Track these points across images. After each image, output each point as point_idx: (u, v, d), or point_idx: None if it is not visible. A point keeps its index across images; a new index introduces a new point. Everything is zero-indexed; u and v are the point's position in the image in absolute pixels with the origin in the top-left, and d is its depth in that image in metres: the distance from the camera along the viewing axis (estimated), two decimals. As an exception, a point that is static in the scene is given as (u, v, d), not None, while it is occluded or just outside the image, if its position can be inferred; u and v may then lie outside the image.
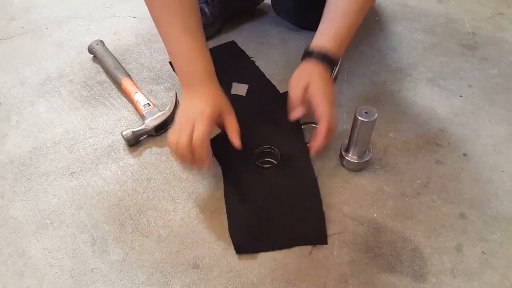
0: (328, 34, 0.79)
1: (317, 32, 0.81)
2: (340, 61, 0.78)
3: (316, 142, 0.74)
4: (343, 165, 0.80)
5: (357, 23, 0.80)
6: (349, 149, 0.78)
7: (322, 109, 0.73)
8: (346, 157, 0.78)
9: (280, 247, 0.70)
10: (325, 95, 0.74)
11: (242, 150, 0.77)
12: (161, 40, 1.14)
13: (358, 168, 0.79)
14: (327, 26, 0.80)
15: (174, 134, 0.71)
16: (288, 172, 0.79)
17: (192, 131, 0.70)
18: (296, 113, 0.79)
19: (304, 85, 0.75)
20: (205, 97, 0.75)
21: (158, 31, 0.78)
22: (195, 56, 0.76)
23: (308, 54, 0.79)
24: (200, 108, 0.72)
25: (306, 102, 0.76)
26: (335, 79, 0.77)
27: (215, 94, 0.76)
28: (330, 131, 0.74)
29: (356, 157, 0.78)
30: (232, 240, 0.70)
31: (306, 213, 0.74)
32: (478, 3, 1.23)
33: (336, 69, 0.78)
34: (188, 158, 0.71)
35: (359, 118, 0.70)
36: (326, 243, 0.70)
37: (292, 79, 0.79)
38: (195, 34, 0.76)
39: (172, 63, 0.77)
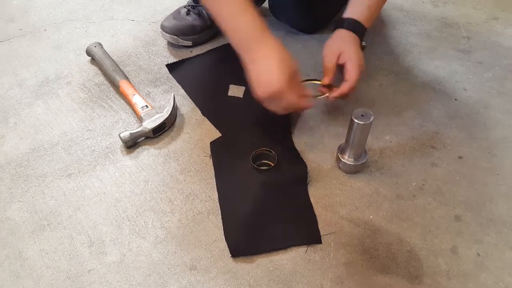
0: (359, 6, 0.87)
1: (348, 5, 0.89)
2: (369, 34, 0.92)
3: (334, 92, 0.84)
4: (339, 167, 0.81)
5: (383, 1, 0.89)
6: (346, 151, 0.78)
7: (351, 75, 0.81)
8: (343, 159, 0.79)
9: (275, 249, 0.70)
10: (357, 61, 0.82)
11: (238, 152, 0.78)
12: (158, 43, 1.16)
13: (354, 170, 0.80)
14: (356, 1, 0.89)
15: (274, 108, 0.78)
16: (282, 175, 0.79)
17: (283, 102, 0.75)
18: (326, 80, 0.84)
19: (338, 52, 0.83)
20: (275, 62, 0.73)
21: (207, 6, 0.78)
22: (248, 17, 0.74)
23: (340, 22, 0.87)
24: (277, 80, 0.72)
25: (338, 66, 0.84)
26: (363, 48, 0.88)
27: (282, 54, 0.74)
28: (350, 91, 0.83)
29: (352, 159, 0.78)
30: (227, 244, 0.71)
31: (299, 214, 0.74)
32: (473, 7, 1.24)
33: (365, 41, 0.89)
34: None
35: (356, 120, 0.71)
36: (320, 242, 0.70)
37: (326, 46, 0.86)
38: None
39: (227, 35, 0.77)
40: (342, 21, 0.87)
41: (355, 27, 0.86)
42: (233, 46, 0.76)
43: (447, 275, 0.66)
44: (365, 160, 0.79)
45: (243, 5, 0.74)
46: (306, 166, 0.80)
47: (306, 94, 0.80)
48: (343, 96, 0.84)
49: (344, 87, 0.82)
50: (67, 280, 0.68)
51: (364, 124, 0.71)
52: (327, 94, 0.86)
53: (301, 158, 0.82)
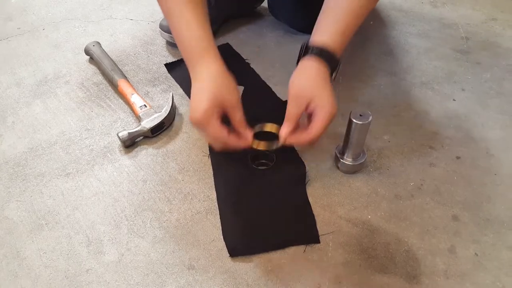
0: (327, 30, 0.72)
1: (315, 29, 0.74)
2: (340, 63, 0.72)
3: (291, 138, 0.71)
4: (337, 167, 0.81)
5: (358, 21, 0.73)
6: (344, 151, 0.78)
7: (317, 126, 0.68)
8: (341, 159, 0.79)
9: (273, 248, 0.70)
10: (328, 110, 0.67)
11: (237, 151, 0.77)
12: (157, 42, 1.16)
13: (353, 170, 0.80)
14: (326, 22, 0.73)
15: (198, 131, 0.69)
16: (280, 174, 0.79)
17: (205, 135, 0.69)
18: (285, 129, 0.71)
19: (307, 97, 0.68)
20: (200, 86, 0.68)
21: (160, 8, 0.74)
22: (187, 29, 0.69)
23: (306, 50, 0.71)
24: (199, 107, 0.66)
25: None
26: (334, 78, 0.72)
27: (212, 78, 0.68)
28: (309, 144, 0.71)
29: (350, 159, 0.78)
30: (225, 244, 0.71)
31: (297, 214, 0.74)
32: (472, 8, 1.24)
33: (337, 70, 0.72)
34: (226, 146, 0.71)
35: (354, 120, 0.71)
36: (318, 241, 0.70)
37: (293, 85, 0.70)
38: (191, 4, 0.70)
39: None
40: (311, 49, 0.70)
41: (328, 58, 0.70)
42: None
43: (445, 275, 0.66)
44: (363, 160, 0.79)
45: (192, 15, 0.70)
46: (304, 165, 0.80)
47: (243, 132, 0.71)
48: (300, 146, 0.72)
49: (304, 138, 0.69)
50: (65, 279, 0.67)
51: (362, 124, 0.71)
52: (280, 143, 0.73)
53: (300, 157, 0.82)
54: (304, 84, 0.69)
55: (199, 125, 0.68)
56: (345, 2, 0.73)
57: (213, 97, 0.67)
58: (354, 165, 0.78)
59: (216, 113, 0.67)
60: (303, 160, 0.82)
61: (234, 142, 0.70)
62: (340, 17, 0.72)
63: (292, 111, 0.70)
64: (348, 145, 0.76)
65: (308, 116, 0.72)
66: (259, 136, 0.76)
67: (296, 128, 0.71)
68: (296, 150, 0.84)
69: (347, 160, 0.78)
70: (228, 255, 0.69)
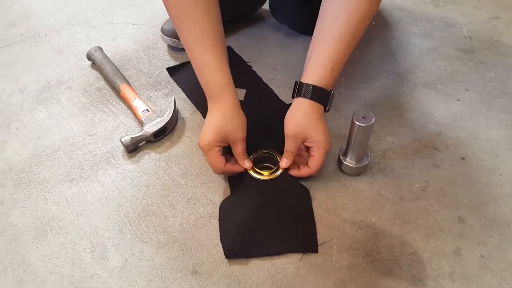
0: (320, 68, 0.73)
1: (311, 61, 0.75)
2: (333, 94, 0.75)
3: (292, 171, 0.78)
4: (341, 170, 0.81)
5: (350, 47, 0.74)
6: (347, 153, 0.78)
7: (315, 163, 0.75)
8: (344, 162, 0.78)
9: (270, 254, 0.70)
10: (324, 148, 0.74)
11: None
12: (159, 46, 1.16)
13: (356, 173, 0.80)
14: (322, 55, 0.74)
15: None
16: (282, 179, 0.79)
17: (211, 162, 0.76)
18: (284, 163, 0.77)
19: (303, 135, 0.74)
20: (212, 119, 0.75)
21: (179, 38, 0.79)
22: (207, 69, 0.75)
23: (301, 89, 0.74)
24: (206, 136, 0.74)
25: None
26: (328, 110, 0.76)
27: (222, 115, 0.75)
28: (308, 176, 0.78)
29: (354, 162, 0.78)
30: (222, 245, 0.71)
31: (297, 221, 0.74)
32: (475, 7, 1.23)
33: (331, 101, 0.75)
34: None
35: (357, 123, 0.71)
36: (316, 251, 0.70)
37: (289, 123, 0.75)
38: (210, 42, 0.75)
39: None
40: (304, 87, 0.73)
41: (320, 96, 0.73)
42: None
43: (450, 277, 0.66)
44: (367, 162, 0.78)
45: (213, 55, 0.75)
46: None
47: (241, 163, 0.78)
48: (300, 175, 0.78)
49: (304, 172, 0.77)
50: (69, 285, 0.68)
51: (365, 126, 0.71)
52: (281, 170, 0.78)
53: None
54: (300, 123, 0.74)
55: (203, 151, 0.75)
56: (335, 29, 0.72)
57: (219, 132, 0.74)
58: (358, 167, 0.78)
59: (217, 146, 0.74)
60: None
61: (229, 170, 0.77)
62: (331, 49, 0.73)
63: (289, 149, 0.76)
64: (351, 147, 0.76)
65: (305, 147, 0.78)
66: (258, 161, 0.82)
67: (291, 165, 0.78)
68: None
69: (351, 163, 0.78)
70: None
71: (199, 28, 0.74)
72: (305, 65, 0.77)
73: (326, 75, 0.73)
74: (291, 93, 0.77)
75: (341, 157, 0.79)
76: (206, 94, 0.77)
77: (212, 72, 0.75)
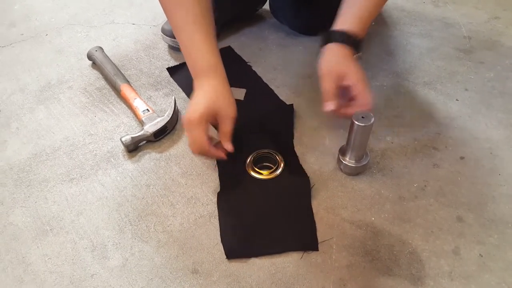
0: (350, 16, 0.79)
1: (341, 12, 0.80)
2: (363, 44, 0.79)
3: (351, 109, 0.75)
4: (340, 169, 0.81)
5: (381, 4, 0.81)
6: (347, 153, 0.78)
7: (364, 97, 0.74)
8: (344, 161, 0.79)
9: (271, 253, 0.70)
10: (363, 81, 0.74)
11: (237, 154, 0.77)
12: (159, 46, 1.16)
13: (356, 172, 0.80)
14: (349, 7, 0.80)
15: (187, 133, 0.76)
16: (282, 179, 0.79)
17: (195, 137, 0.73)
18: (330, 106, 0.75)
19: (337, 73, 0.74)
20: (202, 94, 0.74)
21: (168, 21, 0.80)
22: (197, 48, 0.75)
23: (331, 36, 0.78)
24: (195, 110, 0.72)
25: (340, 91, 0.76)
26: (359, 58, 0.78)
27: (212, 90, 0.74)
28: (365, 107, 0.75)
29: (353, 161, 0.78)
30: (222, 245, 0.71)
31: (297, 219, 0.74)
32: (474, 7, 1.24)
33: (361, 50, 0.79)
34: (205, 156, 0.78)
35: (356, 122, 0.71)
36: (317, 249, 0.70)
37: (322, 66, 0.76)
38: (200, 25, 0.75)
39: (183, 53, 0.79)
40: (333, 34, 0.78)
41: (348, 40, 0.76)
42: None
43: (449, 277, 0.66)
44: (366, 162, 0.78)
45: (203, 37, 0.75)
46: (309, 179, 0.79)
47: (224, 143, 0.76)
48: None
49: (363, 100, 0.74)
50: (70, 285, 0.68)
51: (364, 126, 0.71)
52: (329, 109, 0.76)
53: (304, 171, 0.81)
54: (332, 61, 0.76)
55: (190, 125, 0.72)
56: None
57: (211, 106, 0.72)
58: (357, 167, 0.78)
59: (207, 120, 0.73)
60: (306, 162, 0.82)
61: (212, 152, 0.76)
62: (362, 5, 0.79)
63: (328, 86, 0.75)
64: (350, 147, 0.76)
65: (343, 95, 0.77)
66: (258, 161, 0.82)
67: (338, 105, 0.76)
68: (300, 164, 0.83)
69: (350, 162, 0.78)
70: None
71: (191, 12, 0.75)
72: (336, 20, 0.80)
73: (355, 22, 0.77)
74: (320, 43, 0.79)
75: (340, 156, 0.79)
76: (193, 74, 0.76)
77: (202, 52, 0.75)
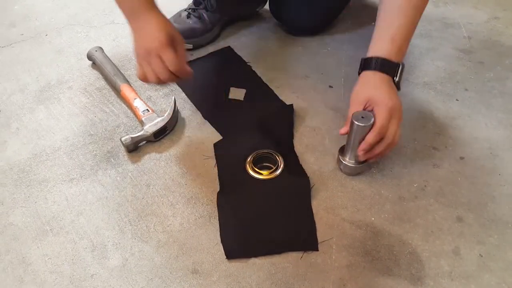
0: (383, 40, 0.75)
1: (373, 37, 0.77)
2: (402, 65, 0.75)
3: (368, 153, 0.73)
4: (340, 169, 0.81)
5: (416, 20, 0.76)
6: (346, 153, 0.78)
7: (378, 119, 0.70)
8: (344, 161, 0.79)
9: (271, 253, 0.70)
10: (385, 105, 0.70)
11: (237, 154, 0.77)
12: (159, 46, 1.16)
13: (355, 172, 0.80)
14: (383, 29, 0.76)
15: (143, 69, 0.76)
16: (282, 179, 0.79)
17: (161, 61, 0.74)
18: (343, 129, 0.75)
19: (365, 99, 0.72)
20: (155, 24, 0.76)
21: None
22: None
23: (365, 63, 0.76)
24: (156, 37, 0.74)
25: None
26: (398, 85, 0.75)
27: (163, 20, 0.77)
28: (388, 147, 0.72)
29: (353, 161, 0.78)
30: (222, 246, 0.71)
31: (297, 219, 0.74)
32: (474, 7, 1.24)
33: (399, 72, 0.74)
34: (167, 81, 0.78)
35: (356, 122, 0.71)
36: (317, 249, 0.70)
37: (353, 93, 0.75)
38: None
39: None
40: (368, 61, 0.75)
41: (383, 65, 0.74)
42: (121, 11, 0.80)
43: (449, 277, 0.66)
44: (366, 162, 0.78)
45: None
46: (308, 179, 0.79)
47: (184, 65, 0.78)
48: (378, 155, 0.74)
49: (374, 140, 0.71)
50: (70, 285, 0.68)
51: (364, 126, 0.71)
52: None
53: (304, 171, 0.81)
54: (363, 87, 0.74)
55: (155, 51, 0.73)
56: (398, 1, 0.75)
57: (168, 31, 0.75)
58: (357, 167, 0.78)
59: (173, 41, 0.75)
60: (306, 162, 0.82)
61: (187, 70, 0.78)
62: (396, 18, 0.75)
63: (352, 111, 0.72)
64: (350, 147, 0.76)
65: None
66: (258, 161, 0.82)
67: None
68: (300, 164, 0.83)
69: (350, 162, 0.78)
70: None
71: None
72: (371, 44, 0.78)
73: (388, 46, 0.74)
74: (358, 70, 0.77)
75: (340, 157, 0.79)
76: (134, 13, 0.77)
77: None
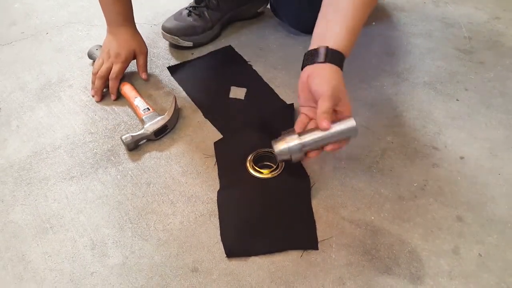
0: (338, 36, 0.72)
1: (317, 32, 0.75)
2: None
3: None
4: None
5: (361, 19, 0.74)
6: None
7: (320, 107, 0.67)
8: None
9: (271, 251, 0.70)
10: (324, 85, 0.68)
11: (238, 151, 0.77)
12: (160, 45, 1.16)
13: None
14: (332, 23, 0.74)
15: (99, 63, 0.99)
16: (282, 178, 0.79)
17: (110, 67, 0.98)
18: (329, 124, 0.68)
19: (336, 101, 0.69)
20: (121, 40, 0.99)
21: None
22: (112, 1, 0.97)
23: (320, 54, 0.71)
24: (117, 51, 0.98)
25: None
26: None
27: (129, 37, 1.01)
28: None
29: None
30: (223, 244, 0.71)
31: (297, 218, 0.74)
32: (475, 7, 1.24)
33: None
34: (100, 84, 0.98)
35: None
36: (317, 248, 0.70)
37: (324, 88, 0.69)
38: None
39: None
40: (325, 53, 0.71)
41: (341, 63, 0.72)
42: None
43: (449, 276, 0.66)
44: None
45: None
46: (309, 178, 0.79)
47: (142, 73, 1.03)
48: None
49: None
50: (70, 282, 0.68)
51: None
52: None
53: (305, 170, 0.81)
54: (334, 85, 0.69)
55: (112, 59, 0.98)
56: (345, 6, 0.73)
57: (129, 48, 1.00)
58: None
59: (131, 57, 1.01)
60: (307, 162, 0.82)
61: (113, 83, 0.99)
62: (341, 14, 0.74)
63: (327, 110, 0.67)
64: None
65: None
66: (258, 160, 0.82)
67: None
68: (301, 164, 0.82)
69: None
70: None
71: None
72: (317, 34, 0.75)
73: (345, 44, 0.72)
74: (301, 65, 0.74)
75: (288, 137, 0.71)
76: (110, 23, 1.00)
77: (119, 9, 0.99)
